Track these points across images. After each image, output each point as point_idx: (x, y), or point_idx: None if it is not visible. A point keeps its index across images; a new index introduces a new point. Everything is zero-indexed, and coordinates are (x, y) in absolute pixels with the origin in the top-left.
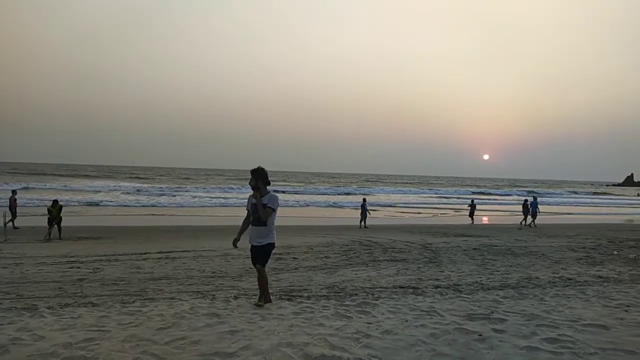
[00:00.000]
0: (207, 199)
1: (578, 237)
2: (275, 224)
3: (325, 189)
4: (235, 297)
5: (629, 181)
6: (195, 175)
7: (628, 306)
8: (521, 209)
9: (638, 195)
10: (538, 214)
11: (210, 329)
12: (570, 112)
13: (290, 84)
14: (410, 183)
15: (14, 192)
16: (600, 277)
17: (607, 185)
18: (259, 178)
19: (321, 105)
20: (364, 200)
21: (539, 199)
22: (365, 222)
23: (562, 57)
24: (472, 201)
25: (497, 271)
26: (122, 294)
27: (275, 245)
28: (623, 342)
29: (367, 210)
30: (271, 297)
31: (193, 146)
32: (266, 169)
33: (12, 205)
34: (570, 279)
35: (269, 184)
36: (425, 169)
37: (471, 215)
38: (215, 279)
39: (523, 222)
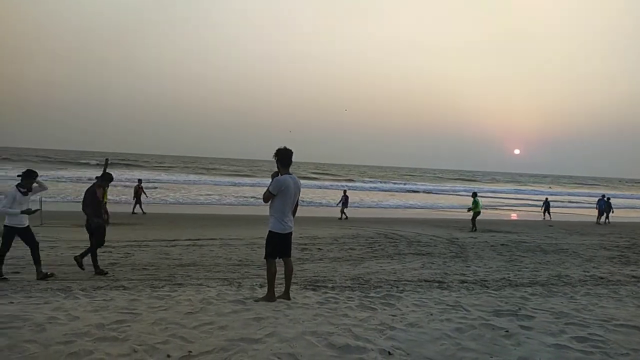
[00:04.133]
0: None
1: (611, 236)
2: (281, 210)
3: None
4: (261, 286)
5: None
6: (220, 164)
7: None
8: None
9: None
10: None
11: (236, 315)
12: (595, 107)
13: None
14: (446, 178)
15: (139, 180)
16: (634, 277)
17: (626, 182)
18: (277, 159)
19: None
20: (345, 191)
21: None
22: (345, 214)
23: (603, 44)
24: (546, 199)
25: (526, 268)
26: (152, 278)
27: (278, 233)
28: None
29: (346, 202)
30: (295, 286)
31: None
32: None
33: (138, 193)
34: (602, 278)
35: (286, 166)
36: (445, 162)
37: (547, 211)
38: (242, 267)
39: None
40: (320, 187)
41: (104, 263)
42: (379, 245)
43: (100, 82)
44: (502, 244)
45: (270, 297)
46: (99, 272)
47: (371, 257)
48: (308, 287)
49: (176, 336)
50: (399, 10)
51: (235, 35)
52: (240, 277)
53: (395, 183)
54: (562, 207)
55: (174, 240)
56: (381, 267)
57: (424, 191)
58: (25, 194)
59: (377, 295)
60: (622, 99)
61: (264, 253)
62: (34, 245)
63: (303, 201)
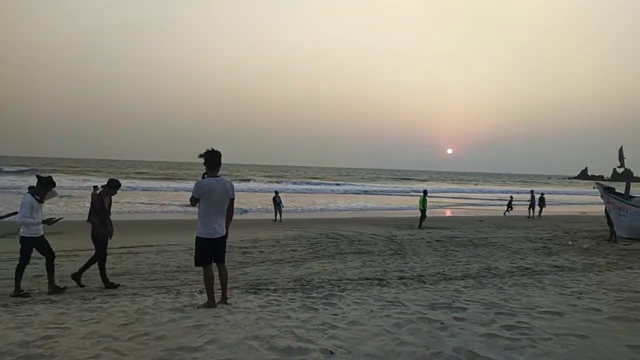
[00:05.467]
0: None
1: (535, 229)
2: (206, 215)
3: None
4: (201, 292)
5: (584, 175)
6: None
7: (580, 293)
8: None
9: (593, 188)
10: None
11: (174, 323)
12: (530, 109)
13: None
14: (383, 178)
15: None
16: (555, 266)
17: (563, 179)
18: (203, 160)
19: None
20: (276, 193)
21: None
22: (280, 216)
23: (529, 54)
24: (532, 192)
25: (459, 262)
26: (82, 290)
27: (204, 239)
28: (575, 328)
29: (280, 203)
30: (236, 290)
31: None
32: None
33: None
34: (527, 269)
35: (211, 168)
36: (383, 162)
37: (533, 207)
38: (180, 274)
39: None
40: (256, 191)
41: (28, 276)
42: (321, 246)
43: None
44: (438, 240)
45: (210, 303)
46: (110, 285)
47: (313, 257)
48: (250, 290)
49: (109, 349)
50: (328, 12)
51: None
52: (179, 284)
53: (327, 184)
54: (493, 204)
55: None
56: (323, 267)
57: (365, 192)
58: (40, 201)
59: (319, 296)
60: (543, 103)
61: (194, 260)
62: (50, 256)
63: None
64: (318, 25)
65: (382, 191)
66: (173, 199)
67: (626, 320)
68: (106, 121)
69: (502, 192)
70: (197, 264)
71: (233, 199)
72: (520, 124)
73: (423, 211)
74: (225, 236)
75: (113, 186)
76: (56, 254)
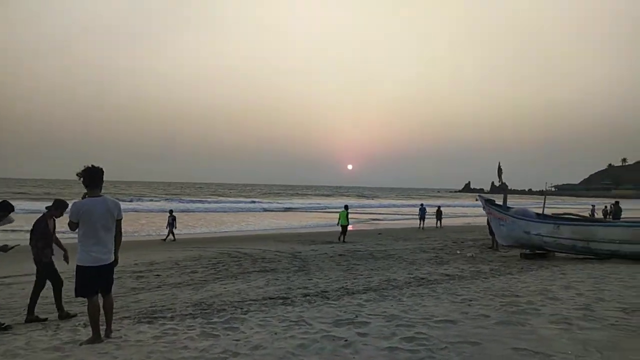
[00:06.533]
0: None
1: (428, 240)
2: (87, 240)
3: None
4: (85, 325)
5: (467, 188)
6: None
7: (470, 300)
8: (434, 214)
9: (476, 200)
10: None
11: None
12: (417, 127)
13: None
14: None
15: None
16: (447, 275)
17: (450, 192)
18: (81, 179)
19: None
20: (171, 211)
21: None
22: (174, 235)
23: (398, 89)
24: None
25: (361, 275)
26: None
27: (85, 267)
28: (468, 335)
29: (172, 223)
30: (127, 321)
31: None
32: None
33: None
34: (423, 279)
35: (93, 187)
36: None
37: (423, 219)
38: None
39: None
40: (148, 210)
41: None
42: (223, 266)
43: None
44: (340, 254)
45: (95, 338)
46: (65, 315)
47: (215, 278)
48: (143, 320)
49: None
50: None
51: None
52: (58, 317)
53: (231, 201)
54: (390, 218)
55: None
56: (225, 288)
57: (264, 209)
58: None
59: (220, 320)
60: (431, 122)
61: (75, 292)
62: None
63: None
64: (198, 46)
65: (286, 208)
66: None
67: (510, 324)
68: None
69: (399, 206)
70: (77, 295)
71: (120, 219)
72: (412, 142)
73: (345, 226)
74: (114, 263)
75: (62, 207)
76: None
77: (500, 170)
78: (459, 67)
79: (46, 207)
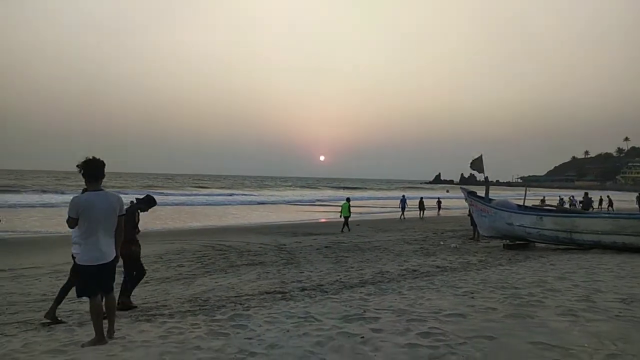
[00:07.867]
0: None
1: (409, 231)
2: (87, 237)
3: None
4: (81, 324)
5: (437, 179)
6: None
7: (472, 293)
8: (417, 205)
9: (447, 191)
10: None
11: None
12: (390, 120)
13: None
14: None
15: None
16: (437, 266)
17: (420, 183)
18: (81, 172)
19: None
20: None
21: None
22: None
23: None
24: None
25: (352, 268)
26: None
27: (88, 266)
28: (481, 329)
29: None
30: (124, 319)
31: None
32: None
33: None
34: (415, 271)
35: (93, 181)
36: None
37: (403, 210)
38: (48, 303)
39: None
40: None
41: None
42: (209, 259)
43: None
44: (326, 246)
45: (99, 339)
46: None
47: (203, 272)
48: (141, 318)
49: None
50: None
51: None
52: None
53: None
54: (367, 208)
55: None
56: (217, 282)
57: (240, 203)
58: None
59: (224, 317)
60: (401, 114)
61: (77, 288)
62: None
63: None
64: (182, 41)
65: (259, 202)
66: (28, 216)
67: (519, 317)
68: None
69: (377, 198)
70: (79, 295)
71: (122, 215)
72: (386, 134)
73: (347, 218)
74: (116, 259)
75: (147, 202)
76: None
77: (481, 163)
78: (427, 60)
79: (136, 199)
